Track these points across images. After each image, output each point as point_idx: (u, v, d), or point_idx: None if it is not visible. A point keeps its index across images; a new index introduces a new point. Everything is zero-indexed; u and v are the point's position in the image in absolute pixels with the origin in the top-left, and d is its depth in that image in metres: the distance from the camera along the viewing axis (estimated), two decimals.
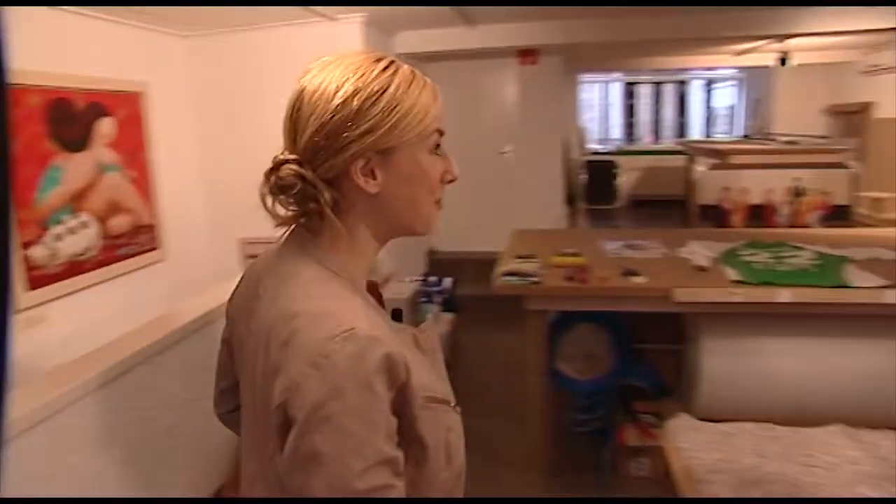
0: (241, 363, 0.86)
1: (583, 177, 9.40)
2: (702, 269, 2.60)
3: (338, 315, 0.71)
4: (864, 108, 7.19)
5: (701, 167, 6.18)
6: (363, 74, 0.76)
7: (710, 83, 11.46)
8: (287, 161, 0.76)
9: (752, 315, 2.49)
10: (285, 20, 3.80)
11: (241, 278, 0.92)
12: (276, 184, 0.76)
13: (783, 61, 5.73)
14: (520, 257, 2.72)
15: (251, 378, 0.79)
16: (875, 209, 5.65)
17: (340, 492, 0.66)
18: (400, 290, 3.72)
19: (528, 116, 5.70)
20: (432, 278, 4.53)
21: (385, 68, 0.77)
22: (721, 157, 6.11)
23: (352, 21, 3.94)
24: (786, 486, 1.07)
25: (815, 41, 5.59)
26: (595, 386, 2.76)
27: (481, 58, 5.37)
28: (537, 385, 2.60)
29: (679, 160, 8.56)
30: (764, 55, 6.18)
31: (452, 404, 0.81)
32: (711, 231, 4.18)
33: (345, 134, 0.74)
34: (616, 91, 11.48)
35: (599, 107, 11.49)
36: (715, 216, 5.86)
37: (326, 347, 0.68)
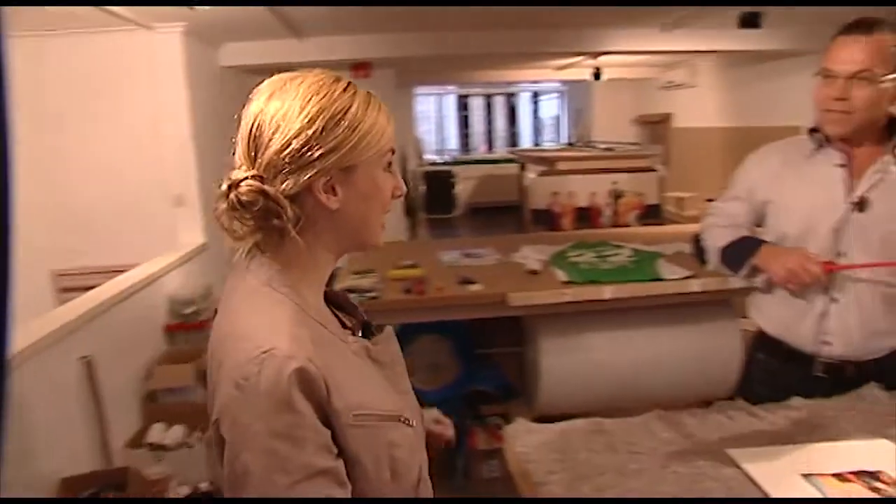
0: None
1: (421, 187, 9.58)
2: (534, 272, 2.74)
3: (260, 336, 0.73)
4: (665, 119, 8.07)
5: (531, 174, 6.57)
6: (325, 95, 0.78)
7: (536, 95, 12.25)
8: (247, 178, 0.76)
9: (583, 312, 2.67)
10: (93, 27, 3.45)
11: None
12: (237, 200, 0.76)
13: (597, 76, 6.26)
14: (357, 273, 2.69)
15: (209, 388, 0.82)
16: (679, 207, 6.35)
17: None
18: None
19: None
20: None
21: (345, 89, 0.80)
22: (549, 164, 6.54)
23: (171, 31, 3.69)
24: (613, 475, 1.14)
25: (621, 59, 6.18)
26: (442, 395, 2.80)
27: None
28: None
29: (512, 168, 9.04)
30: (581, 70, 6.72)
31: (403, 418, 0.81)
32: (542, 235, 4.43)
33: (309, 153, 0.76)
34: (450, 103, 11.88)
35: (435, 118, 11.81)
36: (546, 219, 6.22)
37: (246, 370, 0.71)
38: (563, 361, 2.70)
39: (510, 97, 12.14)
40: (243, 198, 0.75)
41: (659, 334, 2.81)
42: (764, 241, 1.60)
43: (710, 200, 5.84)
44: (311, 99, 0.77)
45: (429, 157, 10.94)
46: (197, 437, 2.60)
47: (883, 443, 1.25)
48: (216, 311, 0.88)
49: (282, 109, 0.77)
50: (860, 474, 1.14)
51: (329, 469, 0.71)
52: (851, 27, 1.43)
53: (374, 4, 3.40)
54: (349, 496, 0.73)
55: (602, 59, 5.87)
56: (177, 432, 2.58)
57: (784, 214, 1.60)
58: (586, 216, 6.21)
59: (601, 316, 2.73)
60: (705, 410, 1.38)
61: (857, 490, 1.10)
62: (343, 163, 0.78)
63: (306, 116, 0.76)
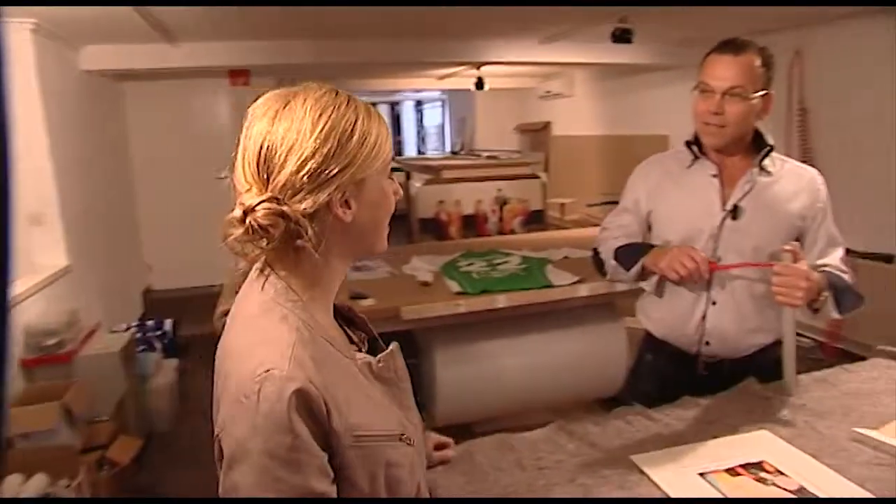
0: None
1: None
2: (426, 284, 2.72)
3: (262, 354, 0.73)
4: (544, 127, 8.39)
5: (417, 183, 6.57)
6: (333, 111, 0.78)
7: (419, 104, 12.33)
8: (263, 201, 0.74)
9: (477, 322, 2.68)
10: None
11: None
12: (256, 225, 0.74)
13: (479, 86, 6.37)
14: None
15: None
16: (561, 212, 6.60)
17: None
18: (110, 341, 3.22)
19: None
20: (151, 322, 4.05)
21: (347, 103, 0.80)
22: (434, 172, 6.57)
23: (17, 28, 3.33)
24: (523, 493, 1.13)
25: (503, 69, 6.34)
26: None
27: (189, 77, 4.98)
28: None
29: (398, 177, 9.00)
30: (463, 79, 6.82)
31: (404, 437, 0.82)
32: (431, 245, 4.43)
33: (327, 171, 0.76)
34: None
35: None
36: (434, 228, 6.24)
37: (247, 388, 0.71)
38: (458, 372, 2.70)
39: (394, 106, 12.14)
40: (263, 222, 0.74)
41: (550, 338, 2.89)
42: (654, 245, 1.68)
43: (590, 206, 6.12)
44: (321, 116, 0.77)
45: None
46: (63, 484, 2.33)
47: (764, 433, 1.34)
48: (223, 327, 0.88)
49: (293, 129, 0.76)
50: (747, 466, 1.21)
51: (322, 493, 0.72)
52: (723, 47, 1.53)
53: (246, 4, 3.24)
54: None
55: (484, 69, 5.99)
56: (38, 483, 2.28)
57: (667, 223, 1.68)
58: (473, 224, 6.30)
59: (494, 324, 2.77)
60: (605, 417, 1.41)
61: (747, 482, 1.16)
62: (357, 176, 0.79)
63: (320, 134, 0.76)
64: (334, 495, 0.73)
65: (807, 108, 4.32)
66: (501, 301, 2.61)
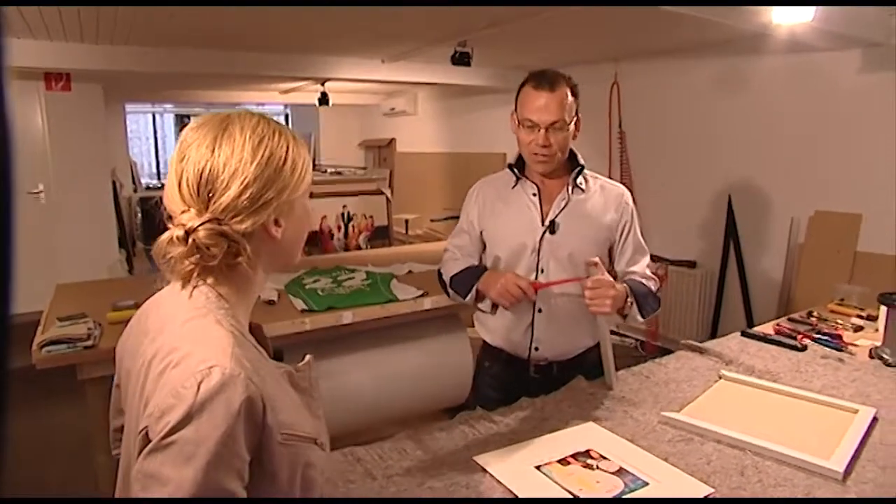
0: (125, 399, 0.90)
1: (138, 215, 8.68)
2: (271, 302, 2.66)
3: (203, 352, 0.75)
4: (389, 143, 8.52)
5: None
6: (269, 140, 0.84)
7: None
8: (205, 223, 0.79)
9: (324, 339, 2.66)
10: None
11: (133, 319, 0.96)
12: (197, 244, 0.79)
13: (324, 101, 6.34)
14: (65, 319, 2.29)
15: (130, 412, 0.83)
16: (406, 228, 6.74)
17: None
18: None
19: (65, 151, 4.96)
20: None
21: (280, 131, 0.87)
22: None
23: None
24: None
25: (347, 85, 6.36)
26: None
27: None
28: (108, 465, 2.24)
29: None
30: (307, 94, 6.75)
31: (319, 441, 0.86)
32: None
33: (266, 194, 0.82)
34: (169, 122, 10.96)
35: (151, 139, 10.78)
36: None
37: (189, 381, 0.72)
38: None
39: None
40: (206, 241, 0.79)
41: (397, 351, 2.94)
42: (485, 269, 1.79)
43: (434, 221, 6.29)
44: (260, 144, 0.83)
45: (146, 181, 9.94)
46: None
47: (591, 425, 1.48)
48: (130, 329, 0.93)
49: (234, 156, 0.82)
50: (576, 455, 1.34)
51: (231, 492, 0.72)
52: (538, 83, 1.66)
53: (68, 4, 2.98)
54: None
55: (329, 84, 5.98)
56: None
57: (497, 240, 1.81)
58: (318, 240, 6.23)
59: (342, 340, 2.76)
60: (450, 423, 1.48)
61: (577, 470, 1.28)
62: (290, 198, 0.86)
63: (261, 162, 0.82)
64: (243, 496, 0.74)
65: (624, 131, 4.82)
66: (348, 317, 2.61)
